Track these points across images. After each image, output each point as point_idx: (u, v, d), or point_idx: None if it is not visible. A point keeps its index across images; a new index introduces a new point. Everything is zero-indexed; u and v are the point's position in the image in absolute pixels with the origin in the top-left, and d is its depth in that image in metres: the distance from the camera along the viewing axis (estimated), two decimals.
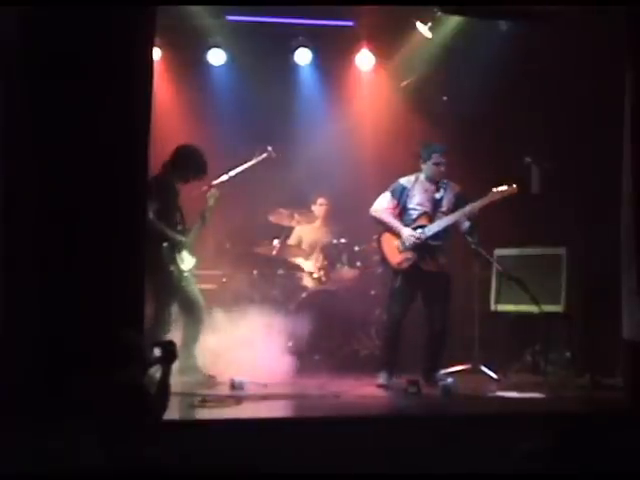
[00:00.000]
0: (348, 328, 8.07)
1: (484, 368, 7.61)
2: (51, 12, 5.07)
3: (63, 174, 5.08)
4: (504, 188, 7.22)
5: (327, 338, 7.46)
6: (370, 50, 9.36)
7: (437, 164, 7.27)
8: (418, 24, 8.58)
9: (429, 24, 8.53)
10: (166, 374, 4.83)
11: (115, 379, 4.59)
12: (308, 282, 8.74)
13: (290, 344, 7.67)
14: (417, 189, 7.31)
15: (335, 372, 7.23)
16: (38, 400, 4.85)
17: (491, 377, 7.50)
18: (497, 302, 8.09)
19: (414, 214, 7.26)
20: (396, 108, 9.33)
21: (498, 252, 8.05)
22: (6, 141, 5.03)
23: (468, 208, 7.16)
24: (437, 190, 7.30)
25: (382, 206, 7.34)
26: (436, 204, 7.28)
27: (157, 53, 8.50)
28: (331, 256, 8.69)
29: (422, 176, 7.35)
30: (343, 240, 8.64)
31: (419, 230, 7.17)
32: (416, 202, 7.28)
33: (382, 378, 7.03)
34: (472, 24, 8.27)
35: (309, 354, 7.74)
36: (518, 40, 8.13)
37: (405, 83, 9.40)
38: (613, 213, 6.60)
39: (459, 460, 5.11)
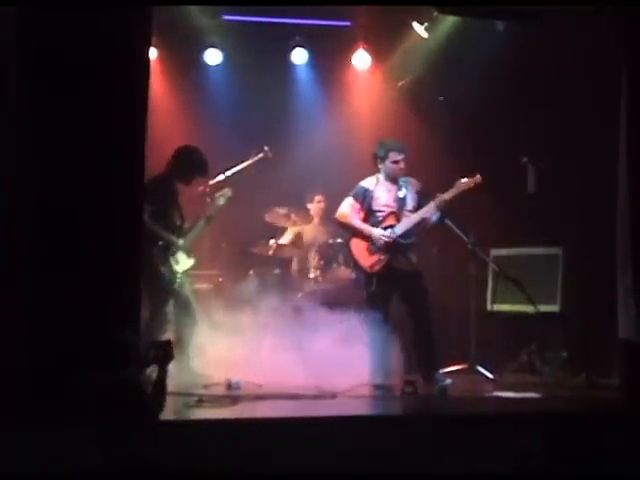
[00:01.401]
0: (344, 328, 8.06)
1: (480, 368, 7.61)
2: (47, 12, 5.06)
3: (59, 174, 5.07)
4: (469, 179, 7.18)
5: (323, 338, 7.43)
6: (366, 50, 9.38)
7: (395, 162, 7.21)
8: (414, 24, 8.59)
9: (425, 24, 8.54)
10: (163, 374, 4.83)
11: (112, 379, 4.60)
12: (304, 282, 8.73)
13: (286, 344, 7.66)
14: (380, 190, 7.27)
15: (331, 372, 7.22)
16: (36, 400, 4.84)
17: (487, 377, 7.51)
18: (493, 302, 8.10)
19: (380, 215, 7.24)
20: (392, 108, 9.34)
21: (494, 252, 8.05)
22: (2, 141, 5.01)
23: (435, 202, 7.12)
24: (399, 189, 7.27)
25: (347, 211, 7.30)
26: (401, 203, 7.25)
27: (153, 53, 8.51)
28: (327, 256, 8.69)
29: (381, 176, 7.31)
30: (339, 240, 8.63)
31: (389, 230, 7.15)
32: (381, 203, 7.24)
33: (378, 378, 7.01)
34: (468, 24, 8.29)
35: (305, 354, 7.73)
36: (514, 40, 8.14)
37: (401, 83, 9.41)
38: (609, 213, 6.61)
39: (455, 460, 5.11)
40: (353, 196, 7.30)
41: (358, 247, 7.26)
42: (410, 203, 7.25)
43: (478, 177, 7.17)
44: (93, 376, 4.63)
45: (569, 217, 7.98)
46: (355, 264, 7.35)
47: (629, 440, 5.31)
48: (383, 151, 7.23)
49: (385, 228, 7.18)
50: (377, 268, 7.15)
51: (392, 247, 7.13)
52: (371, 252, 7.18)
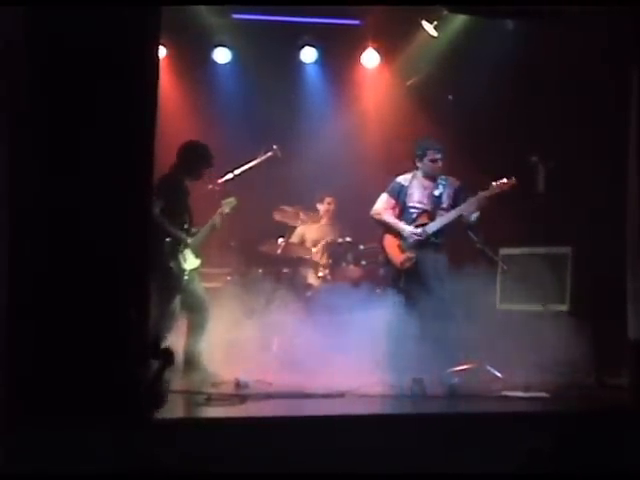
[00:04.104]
0: (352, 327, 8.05)
1: (489, 367, 7.59)
2: (56, 11, 5.07)
3: (69, 171, 5.09)
4: (503, 181, 7.21)
5: (331, 336, 7.43)
6: (376, 49, 9.40)
7: (433, 161, 7.26)
8: (424, 23, 8.60)
9: (435, 23, 8.56)
10: (160, 374, 4.88)
11: (116, 377, 4.63)
12: (313, 280, 8.74)
13: (295, 342, 7.66)
14: (415, 187, 7.30)
15: (340, 371, 7.22)
16: (39, 399, 4.85)
17: (496, 376, 7.49)
18: (502, 301, 8.08)
19: (414, 213, 7.27)
20: (401, 107, 9.33)
21: (503, 251, 8.03)
22: (11, 140, 5.03)
23: (465, 205, 7.15)
24: (436, 187, 7.29)
25: (382, 207, 7.34)
26: (436, 201, 7.26)
27: (162, 51, 8.53)
28: (336, 255, 8.70)
29: (419, 173, 7.34)
30: (348, 239, 8.65)
31: (421, 228, 7.17)
32: (415, 200, 7.27)
33: (386, 377, 7.00)
34: (478, 23, 8.29)
35: (314, 353, 7.73)
36: (524, 39, 8.13)
37: (410, 82, 9.40)
38: (619, 212, 6.59)
39: (464, 460, 5.11)
40: (388, 192, 7.36)
41: (390, 243, 7.31)
42: (446, 202, 7.28)
43: (513, 180, 7.20)
44: (98, 374, 4.67)
45: (578, 216, 7.95)
46: (386, 259, 7.38)
47: (638, 440, 5.30)
48: (421, 149, 7.28)
49: (417, 226, 7.20)
50: (407, 265, 7.19)
51: (424, 245, 7.16)
52: (402, 249, 7.21)
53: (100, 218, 5.10)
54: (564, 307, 7.70)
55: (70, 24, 5.08)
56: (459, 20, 8.53)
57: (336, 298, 8.06)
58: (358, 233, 8.57)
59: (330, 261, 8.74)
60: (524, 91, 8.41)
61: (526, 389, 6.84)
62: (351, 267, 8.61)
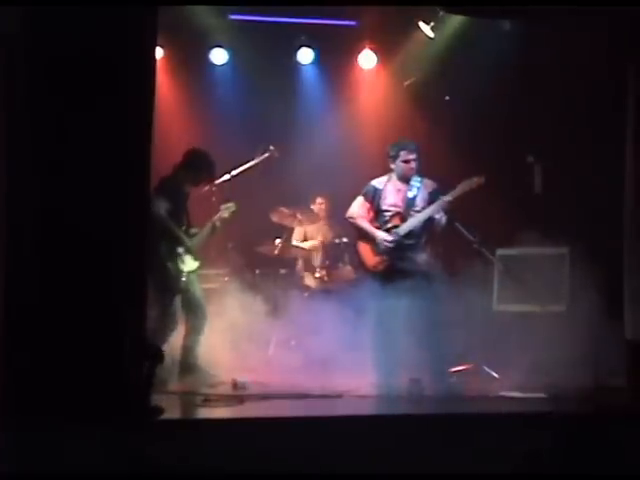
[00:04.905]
0: (350, 327, 8.06)
1: (486, 368, 7.60)
2: (52, 12, 5.06)
3: (66, 172, 5.08)
4: (472, 180, 7.14)
5: (328, 337, 7.43)
6: (372, 50, 9.42)
7: (406, 162, 7.18)
8: (420, 24, 8.61)
9: (431, 24, 8.56)
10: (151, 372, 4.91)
11: (113, 375, 4.64)
12: (310, 281, 8.74)
13: (292, 343, 7.67)
14: (389, 189, 7.25)
15: (337, 372, 7.23)
16: (37, 399, 4.84)
17: (493, 377, 7.49)
18: (499, 301, 8.07)
19: (387, 215, 7.22)
20: (398, 107, 9.34)
21: (501, 252, 8.03)
22: (9, 140, 5.02)
23: (436, 205, 7.09)
24: (410, 189, 7.24)
25: (356, 210, 7.30)
26: (409, 203, 7.22)
27: (159, 52, 8.53)
28: (333, 255, 8.70)
29: (394, 176, 7.30)
30: (345, 240, 8.64)
31: (393, 232, 7.13)
32: (389, 203, 7.22)
33: (383, 378, 7.00)
34: (474, 24, 8.29)
35: (311, 353, 7.73)
36: (521, 39, 8.14)
37: (407, 83, 9.41)
38: (617, 212, 6.59)
39: (460, 460, 5.10)
40: (363, 195, 7.30)
41: (364, 247, 7.26)
42: (419, 204, 7.20)
43: (481, 178, 7.12)
44: (95, 375, 4.67)
45: (576, 217, 7.95)
46: (360, 263, 7.35)
47: (636, 441, 5.30)
48: (395, 150, 7.21)
49: (390, 229, 7.17)
50: (380, 268, 7.14)
51: (397, 248, 7.11)
52: (375, 252, 7.17)
53: (97, 218, 5.09)
54: (562, 307, 7.70)
55: (67, 24, 5.08)
56: (456, 21, 8.54)
57: (333, 299, 8.08)
58: (355, 234, 8.54)
59: (327, 262, 8.74)
60: (521, 91, 8.42)
61: (523, 389, 6.84)
62: (347, 268, 8.61)
